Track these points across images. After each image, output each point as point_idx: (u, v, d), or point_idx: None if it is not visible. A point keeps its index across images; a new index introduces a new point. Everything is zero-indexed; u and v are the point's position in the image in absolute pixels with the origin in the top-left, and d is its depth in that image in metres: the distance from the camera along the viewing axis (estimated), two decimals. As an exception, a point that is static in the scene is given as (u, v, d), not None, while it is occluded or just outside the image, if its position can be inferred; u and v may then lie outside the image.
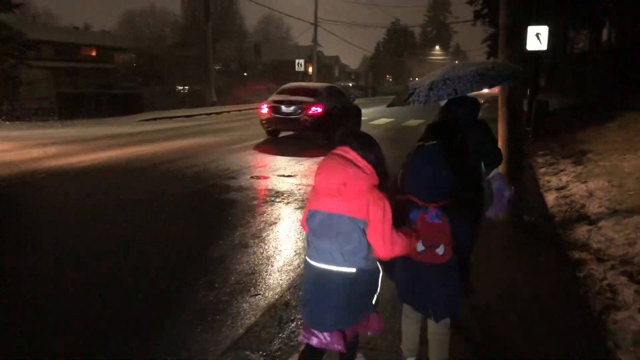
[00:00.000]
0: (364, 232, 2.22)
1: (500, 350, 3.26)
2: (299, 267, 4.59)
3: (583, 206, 6.21)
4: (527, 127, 12.32)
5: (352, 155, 2.23)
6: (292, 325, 3.52)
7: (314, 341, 2.37)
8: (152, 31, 52.32)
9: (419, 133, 3.59)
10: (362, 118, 15.99)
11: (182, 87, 31.19)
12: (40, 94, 20.35)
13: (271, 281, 4.27)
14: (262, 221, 5.95)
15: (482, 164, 3.73)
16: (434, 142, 2.67)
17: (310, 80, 33.36)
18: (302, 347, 2.85)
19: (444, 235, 2.50)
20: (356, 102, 16.36)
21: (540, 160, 9.81)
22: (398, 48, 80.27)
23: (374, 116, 21.16)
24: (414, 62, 77.78)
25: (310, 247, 2.38)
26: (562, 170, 8.42)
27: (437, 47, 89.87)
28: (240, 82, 40.14)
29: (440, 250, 2.51)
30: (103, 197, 7.01)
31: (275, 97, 13.51)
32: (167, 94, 28.30)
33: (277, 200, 6.94)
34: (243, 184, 7.91)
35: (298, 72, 30.61)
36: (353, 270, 2.26)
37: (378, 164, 2.27)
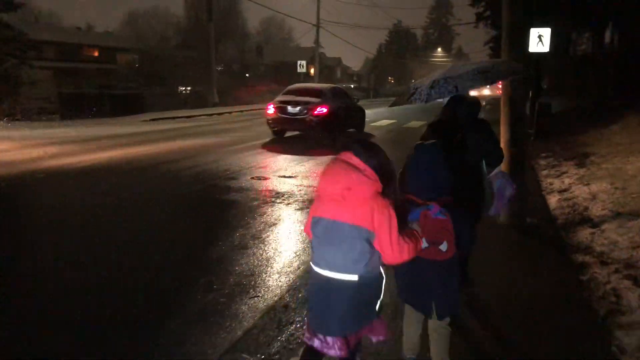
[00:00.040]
0: (367, 240, 2.21)
1: (502, 352, 3.21)
2: (298, 268, 4.54)
3: (586, 209, 6.16)
4: (529, 129, 12.26)
5: (356, 160, 2.22)
6: (291, 328, 3.47)
7: (316, 343, 2.37)
8: (155, 32, 52.35)
9: (421, 135, 3.59)
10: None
11: (183, 88, 31.17)
12: (42, 94, 20.33)
13: (270, 283, 4.22)
14: (262, 222, 5.90)
15: (484, 162, 3.73)
16: (434, 141, 2.66)
17: (312, 82, 33.32)
18: (301, 350, 2.81)
19: (447, 231, 2.50)
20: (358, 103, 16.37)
21: (542, 162, 9.76)
22: (400, 50, 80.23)
23: (376, 117, 21.10)
24: (416, 64, 77.62)
25: (314, 253, 2.38)
26: (564, 173, 8.37)
27: (439, 50, 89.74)
28: (242, 83, 40.13)
29: (443, 247, 2.50)
30: (103, 198, 6.97)
31: (281, 97, 13.68)
32: (169, 94, 28.27)
33: (278, 201, 6.89)
34: (243, 184, 7.87)
35: (300, 73, 30.57)
36: (355, 277, 2.25)
37: (381, 169, 2.26)
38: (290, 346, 3.23)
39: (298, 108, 12.80)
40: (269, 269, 4.53)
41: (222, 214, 6.32)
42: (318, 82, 30.73)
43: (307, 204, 6.74)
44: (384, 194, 2.26)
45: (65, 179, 8.07)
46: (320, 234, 2.31)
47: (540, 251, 5.09)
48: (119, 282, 4.22)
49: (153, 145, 12.12)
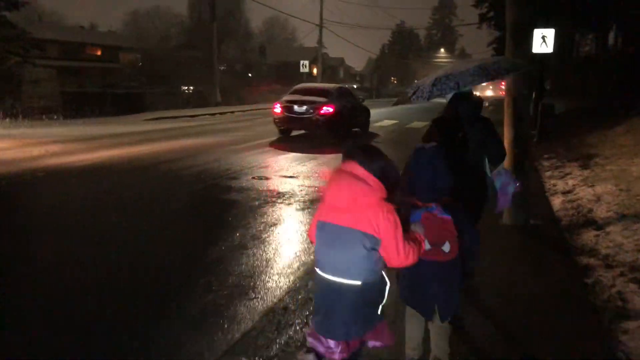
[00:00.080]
0: (372, 245, 2.22)
1: (503, 354, 3.15)
2: (298, 269, 4.48)
3: (590, 211, 6.08)
4: (533, 130, 12.18)
5: (360, 171, 2.22)
6: (290, 330, 3.41)
7: (320, 348, 2.37)
8: (158, 31, 52.40)
9: (424, 132, 3.54)
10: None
11: (186, 88, 31.17)
12: (44, 92, 20.32)
13: (270, 284, 4.17)
14: (263, 222, 5.84)
15: (487, 160, 3.73)
16: (434, 144, 2.67)
17: (315, 82, 33.27)
18: (299, 354, 2.76)
19: (449, 232, 2.51)
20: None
21: (545, 163, 9.68)
22: (403, 50, 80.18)
23: (378, 118, 21.01)
24: (419, 65, 77.54)
25: (319, 257, 2.37)
26: (568, 174, 8.29)
27: (442, 50, 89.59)
28: (245, 83, 40.12)
29: (446, 247, 2.50)
30: (102, 197, 6.93)
31: (287, 97, 13.86)
32: (171, 94, 28.28)
33: (279, 201, 6.83)
34: (244, 184, 7.81)
35: (303, 73, 30.52)
36: (358, 282, 2.25)
37: (385, 176, 2.26)
38: (290, 349, 3.17)
39: (304, 107, 12.94)
40: (268, 270, 4.47)
41: (222, 213, 6.27)
42: (321, 82, 30.68)
43: (309, 204, 6.68)
44: (388, 199, 2.26)
45: (65, 178, 8.03)
46: (324, 238, 2.32)
47: (544, 253, 5.02)
48: (117, 282, 4.18)
49: (154, 144, 12.08)
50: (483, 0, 28.34)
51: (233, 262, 4.60)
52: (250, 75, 46.53)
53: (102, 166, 8.99)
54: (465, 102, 3.69)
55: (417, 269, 2.51)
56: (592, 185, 7.12)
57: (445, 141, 3.17)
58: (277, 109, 13.36)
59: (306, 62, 30.08)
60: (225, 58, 42.33)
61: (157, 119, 20.03)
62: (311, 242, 2.60)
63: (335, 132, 12.85)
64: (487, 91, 79.66)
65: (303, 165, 9.62)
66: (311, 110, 12.89)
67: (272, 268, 4.51)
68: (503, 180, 3.71)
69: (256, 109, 27.62)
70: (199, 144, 12.42)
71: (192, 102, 27.93)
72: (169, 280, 4.23)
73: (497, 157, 3.73)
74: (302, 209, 6.48)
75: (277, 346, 3.20)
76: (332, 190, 2.28)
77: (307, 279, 4.27)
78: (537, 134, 12.41)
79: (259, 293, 3.99)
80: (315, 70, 41.13)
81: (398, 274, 2.77)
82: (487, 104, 27.87)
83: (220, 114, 23.71)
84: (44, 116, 18.62)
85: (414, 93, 3.42)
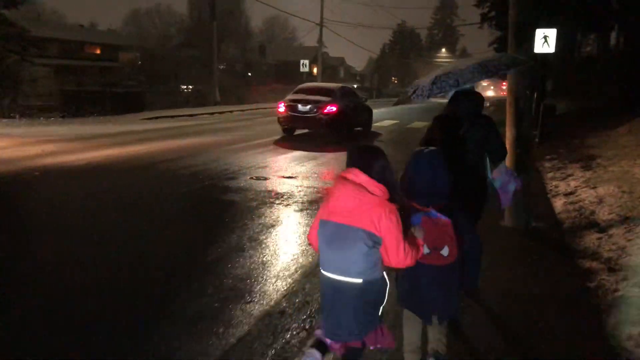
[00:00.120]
0: (373, 244, 2.26)
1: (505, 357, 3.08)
2: (296, 272, 4.40)
3: (593, 213, 6.00)
4: (534, 130, 12.09)
5: (363, 178, 2.27)
6: (287, 335, 3.33)
7: (328, 340, 2.49)
8: (158, 30, 52.29)
9: (425, 130, 3.51)
10: (368, 119, 16.14)
11: (185, 87, 31.08)
12: (43, 91, 20.27)
13: (267, 287, 4.08)
14: (260, 224, 5.76)
15: (487, 159, 3.73)
16: (432, 147, 2.67)
17: (315, 81, 33.19)
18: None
19: (447, 236, 2.52)
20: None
21: (547, 164, 9.60)
22: (404, 50, 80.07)
23: (378, 117, 20.90)
24: (420, 64, 77.43)
25: (321, 256, 2.42)
26: (570, 175, 8.21)
27: (444, 50, 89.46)
28: (245, 82, 40.03)
29: (445, 252, 2.51)
30: (97, 197, 6.84)
31: (291, 96, 14.06)
32: (171, 93, 28.21)
33: (277, 202, 6.75)
34: (242, 184, 7.73)
35: (303, 72, 30.44)
36: (359, 281, 2.29)
37: (388, 179, 2.34)
38: (286, 354, 3.10)
39: (308, 106, 13.13)
40: (265, 272, 4.38)
41: (219, 214, 6.19)
42: (321, 82, 30.59)
43: (307, 206, 6.60)
44: (390, 199, 2.31)
45: (62, 177, 7.95)
46: (327, 236, 2.36)
47: (546, 256, 4.93)
48: (109, 284, 4.09)
49: (153, 143, 12.00)
50: (484, 0, 28.25)
51: (229, 265, 4.52)
52: (249, 74, 46.41)
53: (99, 165, 8.91)
54: (467, 99, 3.68)
55: (416, 273, 2.53)
56: (594, 187, 7.04)
57: (446, 139, 3.21)
58: (282, 108, 13.53)
59: (306, 62, 29.99)
60: (225, 57, 42.23)
61: (155, 118, 19.95)
62: (310, 244, 2.62)
63: (338, 131, 12.99)
64: (488, 91, 79.58)
65: (302, 166, 9.54)
66: (315, 110, 13.05)
67: (269, 271, 4.43)
68: (504, 179, 3.70)
69: (255, 109, 27.55)
70: (198, 143, 12.34)
71: (191, 102, 27.88)
72: (163, 282, 4.14)
73: (498, 155, 3.72)
74: (301, 210, 6.40)
75: (273, 351, 3.12)
76: (334, 200, 2.32)
77: (304, 282, 4.20)
78: (538, 134, 12.32)
79: (256, 296, 3.91)
80: (315, 70, 41.03)
81: (397, 277, 2.74)
82: (488, 104, 27.77)
83: (219, 113, 23.62)
84: (42, 115, 18.54)
85: (414, 92, 3.39)
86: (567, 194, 7.09)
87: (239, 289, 4.03)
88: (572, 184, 7.61)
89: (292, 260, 4.70)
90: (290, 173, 8.77)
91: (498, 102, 30.56)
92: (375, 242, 2.26)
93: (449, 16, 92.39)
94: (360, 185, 2.26)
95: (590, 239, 5.17)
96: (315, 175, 8.67)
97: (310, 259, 4.70)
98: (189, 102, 27.59)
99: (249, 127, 17.31)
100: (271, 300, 3.84)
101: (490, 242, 4.71)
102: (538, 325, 3.48)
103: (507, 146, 5.62)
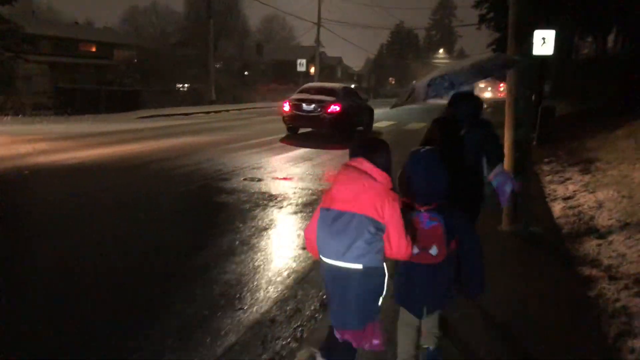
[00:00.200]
0: (376, 230, 2.28)
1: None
2: (288, 278, 4.27)
3: (592, 218, 5.89)
4: (532, 132, 11.99)
5: (366, 166, 2.31)
6: (277, 345, 3.20)
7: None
8: (155, 29, 52.01)
9: (421, 136, 3.45)
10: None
11: (181, 85, 30.88)
12: (37, 88, 20.05)
13: (258, 294, 3.95)
14: (253, 227, 5.62)
15: (485, 161, 3.76)
16: (430, 147, 2.70)
17: (312, 81, 33.07)
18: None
19: (436, 236, 2.53)
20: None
21: (545, 167, 9.50)
22: (402, 50, 79.96)
23: (376, 118, 20.74)
24: (418, 65, 77.37)
25: (321, 245, 2.43)
26: (568, 179, 8.11)
27: (441, 51, 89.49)
28: (242, 81, 39.85)
29: (433, 251, 2.53)
30: (84, 199, 6.66)
31: (296, 95, 14.45)
32: (167, 91, 28.00)
33: (270, 204, 6.61)
34: (235, 185, 7.59)
35: (300, 72, 30.31)
36: (360, 266, 2.31)
37: (391, 167, 2.39)
38: (275, 366, 2.97)
39: (313, 106, 13.46)
40: (256, 278, 4.25)
41: (211, 217, 6.06)
42: (320, 82, 30.49)
43: (301, 208, 6.47)
44: (394, 188, 2.38)
45: (51, 177, 7.80)
46: (328, 224, 2.36)
47: (544, 262, 4.82)
48: (93, 289, 3.95)
49: (147, 142, 11.85)
50: (483, 1, 28.16)
51: (219, 270, 4.38)
52: (246, 74, 46.19)
53: (90, 165, 8.75)
54: (466, 102, 3.69)
55: (408, 270, 2.61)
56: (593, 191, 6.93)
57: (445, 141, 3.24)
58: (286, 107, 13.85)
59: (303, 61, 29.89)
60: (222, 56, 42.01)
61: (151, 116, 19.80)
62: (305, 240, 2.57)
63: (341, 131, 13.22)
64: (485, 93, 79.63)
65: (297, 167, 9.41)
66: (319, 109, 13.36)
67: (260, 276, 4.29)
68: (500, 180, 3.71)
69: (252, 108, 27.41)
70: (192, 143, 12.20)
71: (187, 100, 27.68)
72: (150, 289, 4.00)
73: (495, 158, 3.74)
74: (295, 213, 6.27)
75: (262, 363, 3.00)
76: (338, 186, 2.35)
77: (296, 288, 4.07)
78: (536, 137, 12.23)
79: (246, 304, 3.78)
80: (312, 70, 40.90)
81: (392, 275, 2.69)
82: (485, 106, 27.65)
83: (215, 112, 23.47)
84: (35, 113, 18.33)
85: (410, 95, 3.32)
86: (565, 198, 6.99)
87: (229, 295, 3.90)
88: (571, 187, 7.51)
89: (284, 265, 4.57)
90: (285, 174, 8.64)
91: (496, 104, 30.47)
92: (377, 228, 2.27)
93: (447, 17, 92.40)
94: (364, 172, 2.30)
95: (590, 245, 5.06)
96: (311, 176, 8.54)
97: (303, 264, 4.58)
98: (184, 101, 27.39)
99: (245, 126, 17.17)
100: (261, 308, 3.71)
101: (488, 248, 4.56)
102: (537, 336, 3.36)
103: (506, 149, 5.52)
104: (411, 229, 2.44)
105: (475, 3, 28.80)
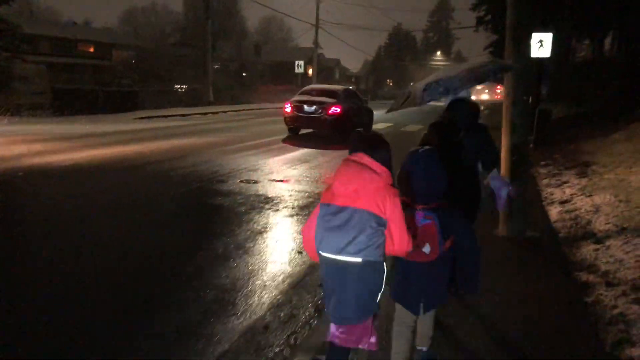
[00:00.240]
0: (377, 226, 2.29)
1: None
2: (283, 283, 4.23)
3: (589, 222, 5.86)
4: (529, 135, 11.97)
5: (367, 160, 2.33)
6: (271, 352, 3.16)
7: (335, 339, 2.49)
8: (153, 29, 51.93)
9: (418, 139, 3.47)
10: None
11: (179, 86, 30.79)
12: (34, 88, 19.92)
13: (252, 300, 3.90)
14: (248, 230, 5.58)
15: (480, 165, 3.83)
16: (428, 147, 2.73)
17: (311, 83, 33.06)
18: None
19: (429, 235, 2.56)
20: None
21: (542, 170, 9.48)
22: (400, 53, 79.97)
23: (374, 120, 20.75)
24: (416, 67, 77.40)
25: (322, 239, 2.41)
26: (565, 182, 8.08)
27: (439, 53, 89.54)
28: (240, 82, 39.77)
29: (426, 249, 2.56)
30: (77, 201, 6.58)
31: (297, 97, 14.68)
32: (164, 92, 27.90)
33: (266, 207, 6.57)
34: (232, 188, 7.54)
35: (297, 73, 30.27)
36: (359, 260, 2.32)
37: (390, 164, 2.41)
38: (268, 374, 2.92)
39: (314, 107, 13.69)
40: (250, 283, 4.20)
41: (206, 220, 6.01)
42: (318, 84, 30.45)
43: (297, 211, 6.43)
44: (394, 184, 2.41)
45: (45, 178, 7.72)
46: (329, 218, 2.36)
47: (541, 267, 4.78)
48: (83, 293, 3.89)
49: (143, 144, 11.78)
50: (481, 4, 28.16)
51: (213, 274, 4.33)
52: (244, 75, 46.11)
53: (85, 167, 8.69)
54: (463, 107, 3.77)
55: (405, 269, 2.63)
56: (590, 195, 6.91)
57: (442, 144, 3.29)
58: (288, 108, 14.05)
59: (301, 63, 29.84)
60: (221, 57, 41.92)
61: (148, 117, 19.73)
62: (303, 237, 2.55)
63: (342, 132, 13.33)
64: (483, 95, 79.73)
65: (294, 169, 9.37)
66: (320, 110, 13.58)
67: (255, 281, 4.25)
68: (495, 184, 3.78)
69: (250, 109, 27.36)
70: (189, 144, 12.14)
71: (185, 101, 27.58)
72: (142, 294, 3.95)
73: (490, 162, 3.80)
74: (291, 215, 6.23)
75: (254, 371, 2.95)
76: (340, 180, 2.35)
77: (291, 293, 4.03)
78: (533, 140, 12.20)
79: (239, 309, 3.73)
80: (310, 71, 40.86)
81: (390, 273, 2.69)
82: (482, 108, 27.65)
83: (213, 113, 23.42)
84: (32, 113, 18.23)
85: (406, 99, 3.31)
86: (562, 202, 6.96)
87: (223, 300, 3.85)
88: (568, 191, 7.48)
89: (279, 269, 4.53)
90: (282, 176, 8.59)
91: (493, 106, 30.52)
92: (379, 224, 2.29)
93: (445, 19, 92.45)
94: (364, 165, 2.32)
95: (587, 250, 5.02)
96: (308, 178, 8.50)
97: (298, 269, 4.54)
98: (182, 102, 27.29)
99: (242, 127, 17.13)
100: (255, 314, 3.67)
101: (484, 252, 4.54)
102: (534, 343, 3.32)
103: (503, 153, 5.49)
104: (412, 226, 2.48)
105: (473, 5, 28.80)
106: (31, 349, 3.12)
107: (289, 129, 14.56)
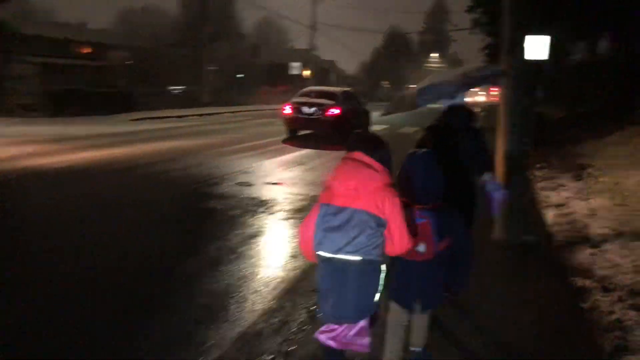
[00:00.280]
0: (377, 226, 2.30)
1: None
2: (276, 289, 4.17)
3: (585, 226, 5.83)
4: (525, 139, 11.95)
5: (366, 158, 2.34)
6: (262, 361, 3.09)
7: (331, 342, 2.46)
8: (150, 30, 51.79)
9: (414, 141, 3.47)
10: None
11: (174, 87, 30.72)
12: (29, 89, 19.82)
13: (244, 306, 3.83)
14: (241, 234, 5.51)
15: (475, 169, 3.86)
16: (426, 149, 2.76)
17: (306, 84, 33.05)
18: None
19: (424, 235, 2.58)
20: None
21: (538, 173, 9.45)
22: (395, 54, 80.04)
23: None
24: (411, 69, 77.47)
25: (321, 239, 2.40)
26: (561, 185, 8.05)
27: (435, 55, 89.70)
28: (236, 83, 39.71)
29: (421, 248, 2.58)
30: (69, 204, 6.47)
31: (297, 98, 14.85)
32: (160, 93, 27.82)
33: (260, 210, 6.51)
34: (225, 190, 7.47)
35: (294, 75, 30.23)
36: (358, 258, 2.32)
37: (389, 162, 2.42)
38: (259, 383, 2.86)
39: (313, 109, 13.89)
40: (243, 288, 4.14)
41: (198, 223, 5.95)
42: (316, 85, 30.44)
43: (292, 214, 6.37)
44: (393, 185, 2.41)
45: (37, 181, 7.65)
46: (329, 219, 2.35)
47: (537, 272, 4.74)
48: (71, 299, 3.81)
49: (138, 145, 11.71)
50: (477, 6, 28.18)
51: (205, 279, 4.27)
52: (241, 75, 46.03)
53: (77, 169, 8.60)
54: (458, 112, 3.82)
55: (403, 268, 2.65)
56: (587, 199, 6.88)
57: (439, 147, 3.30)
58: (287, 109, 14.22)
59: (296, 64, 29.81)
60: (217, 58, 41.85)
61: (144, 119, 19.65)
62: (300, 237, 2.52)
63: (340, 133, 13.35)
64: (478, 97, 79.91)
65: (289, 171, 9.32)
66: (319, 112, 13.81)
67: (248, 287, 4.18)
68: (489, 188, 3.78)
69: (246, 111, 27.30)
70: (184, 146, 12.07)
71: (181, 102, 27.51)
72: (131, 300, 3.87)
73: (484, 167, 3.82)
74: (286, 219, 6.17)
75: (245, 380, 2.89)
76: (338, 178, 2.36)
77: (284, 299, 3.97)
78: (529, 142, 12.18)
79: (231, 316, 3.66)
80: (305, 73, 40.82)
81: (387, 273, 2.67)
82: (479, 109, 27.74)
83: (209, 115, 23.35)
84: (26, 114, 18.12)
85: (401, 103, 3.33)
86: (558, 205, 6.93)
87: (214, 307, 3.78)
88: (564, 194, 7.46)
89: (273, 274, 4.47)
90: (277, 179, 8.54)
91: (489, 107, 30.52)
92: (379, 224, 2.30)
93: (440, 21, 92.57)
94: (363, 163, 2.33)
95: (584, 255, 4.98)
96: (303, 181, 8.45)
97: (292, 274, 4.48)
98: (178, 103, 27.23)
99: (238, 129, 17.08)
100: (247, 321, 3.59)
101: (480, 257, 4.50)
102: (530, 349, 3.28)
103: (499, 157, 5.46)
104: (412, 226, 2.48)
105: (469, 7, 28.82)
106: (31, 349, 3.08)
107: (289, 131, 14.65)
